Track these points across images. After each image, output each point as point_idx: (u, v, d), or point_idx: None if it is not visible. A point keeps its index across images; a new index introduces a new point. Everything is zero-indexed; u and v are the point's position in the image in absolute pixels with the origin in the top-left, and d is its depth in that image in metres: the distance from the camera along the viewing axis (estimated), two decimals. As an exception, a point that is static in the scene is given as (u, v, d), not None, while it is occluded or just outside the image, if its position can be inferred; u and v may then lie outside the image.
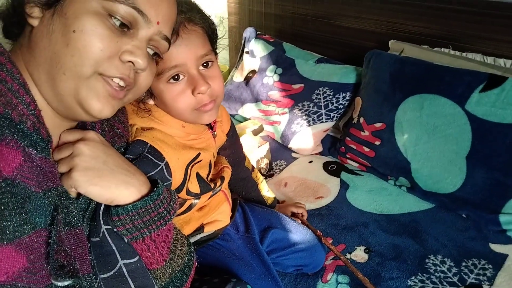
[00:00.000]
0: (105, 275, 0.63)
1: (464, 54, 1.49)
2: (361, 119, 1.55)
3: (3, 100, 0.53)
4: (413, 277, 1.10)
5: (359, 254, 1.17)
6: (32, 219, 0.54)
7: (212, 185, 0.90)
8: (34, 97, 0.58)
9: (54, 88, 0.58)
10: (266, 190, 1.23)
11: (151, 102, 0.81)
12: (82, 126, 0.68)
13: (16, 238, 0.52)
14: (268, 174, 1.60)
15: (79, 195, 0.64)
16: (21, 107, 0.55)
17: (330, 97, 1.70)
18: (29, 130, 0.55)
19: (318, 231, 1.15)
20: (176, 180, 0.80)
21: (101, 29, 0.56)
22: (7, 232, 0.51)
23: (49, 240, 0.56)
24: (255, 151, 1.53)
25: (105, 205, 0.64)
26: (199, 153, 0.85)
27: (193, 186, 0.86)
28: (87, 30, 0.55)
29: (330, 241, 1.20)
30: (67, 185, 0.59)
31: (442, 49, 1.54)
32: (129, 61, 0.59)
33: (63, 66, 0.55)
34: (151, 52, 0.66)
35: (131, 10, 0.57)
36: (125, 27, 0.59)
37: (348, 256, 1.17)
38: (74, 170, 0.59)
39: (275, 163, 1.68)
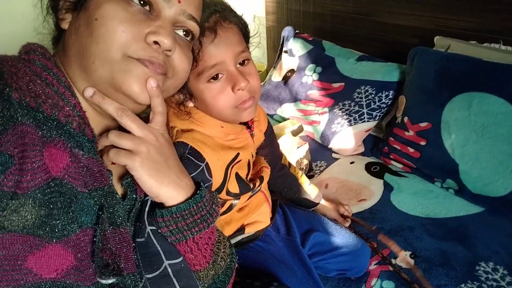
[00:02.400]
0: (150, 275, 0.63)
1: (516, 49, 1.41)
2: (405, 119, 1.50)
3: (50, 102, 0.55)
4: (462, 285, 1.04)
5: (405, 259, 1.13)
6: (79, 218, 0.56)
7: (252, 185, 0.90)
8: (79, 99, 0.59)
9: (88, 81, 0.58)
10: (308, 184, 1.21)
11: (191, 104, 0.82)
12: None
13: (64, 236, 0.54)
14: (308, 175, 1.58)
15: (124, 196, 0.65)
16: (67, 108, 0.57)
17: (372, 95, 1.65)
18: (75, 131, 0.56)
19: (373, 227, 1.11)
20: (216, 181, 0.81)
21: (121, 12, 0.56)
22: (56, 230, 0.53)
23: (94, 239, 0.57)
24: (294, 152, 1.51)
25: (150, 206, 0.65)
26: (238, 153, 0.86)
27: (233, 186, 0.86)
28: (108, 16, 0.55)
29: (374, 246, 1.17)
30: (121, 161, 0.59)
31: (492, 45, 1.46)
32: (155, 43, 0.58)
33: (92, 55, 0.56)
34: (188, 38, 0.66)
35: None
36: (147, 11, 0.59)
37: (393, 261, 1.12)
38: (138, 155, 0.59)
39: (315, 164, 1.65)
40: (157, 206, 0.63)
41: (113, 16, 0.55)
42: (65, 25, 0.60)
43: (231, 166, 0.84)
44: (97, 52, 0.56)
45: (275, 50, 2.20)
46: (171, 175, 0.63)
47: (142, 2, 0.58)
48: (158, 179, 0.61)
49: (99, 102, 0.59)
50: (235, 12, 0.82)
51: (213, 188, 0.81)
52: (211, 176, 0.79)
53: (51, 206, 0.52)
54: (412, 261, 1.12)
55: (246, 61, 0.81)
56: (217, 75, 0.77)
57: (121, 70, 0.57)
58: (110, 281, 0.59)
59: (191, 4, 0.63)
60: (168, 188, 0.62)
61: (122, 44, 0.56)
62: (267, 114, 2.01)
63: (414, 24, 1.71)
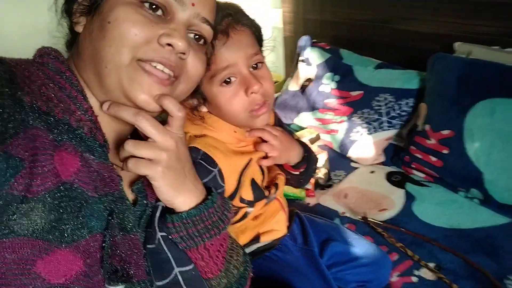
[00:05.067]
0: (161, 283, 0.62)
1: (542, 53, 1.36)
2: (427, 127, 1.46)
3: (62, 106, 0.55)
4: (490, 299, 1.00)
5: (429, 272, 1.08)
6: (89, 223, 0.55)
7: (267, 193, 0.88)
8: (91, 103, 0.59)
9: (102, 86, 0.58)
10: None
11: (204, 109, 0.82)
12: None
13: (74, 241, 0.53)
14: (327, 184, 1.55)
15: (135, 201, 0.64)
16: (79, 113, 0.56)
17: (392, 103, 1.62)
18: (86, 136, 0.56)
19: None
20: (229, 187, 0.80)
21: (134, 15, 0.55)
22: (65, 235, 0.52)
23: (104, 244, 0.56)
24: (312, 161, 1.48)
25: (160, 212, 0.64)
26: (251, 159, 0.85)
27: (246, 193, 0.85)
28: (120, 18, 0.55)
29: (396, 257, 1.13)
30: (141, 172, 0.57)
31: (516, 49, 1.42)
32: (168, 45, 0.57)
33: (104, 59, 0.55)
34: (201, 41, 0.65)
35: None
36: (161, 14, 0.58)
37: (417, 273, 1.08)
38: (158, 164, 0.57)
39: (334, 173, 1.62)
40: (168, 211, 0.62)
41: (125, 18, 0.55)
42: (79, 29, 0.60)
43: (244, 171, 0.83)
44: (109, 56, 0.55)
45: (293, 60, 2.19)
46: (187, 183, 0.62)
47: (155, 5, 0.58)
48: (176, 188, 0.60)
49: (116, 112, 0.57)
50: (247, 16, 0.82)
51: (226, 195, 0.79)
52: (223, 182, 0.78)
53: (61, 210, 0.51)
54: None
55: (259, 64, 0.80)
56: (230, 78, 0.76)
57: (128, 77, 0.56)
58: (119, 287, 0.57)
59: (206, 7, 0.63)
60: (184, 197, 0.61)
61: (133, 46, 0.55)
62: (284, 123, 2.00)
63: (433, 30, 1.68)
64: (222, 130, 0.81)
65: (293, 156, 0.92)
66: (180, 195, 0.60)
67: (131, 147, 0.56)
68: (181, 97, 0.66)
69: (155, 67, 0.57)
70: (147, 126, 0.56)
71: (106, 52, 0.55)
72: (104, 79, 0.57)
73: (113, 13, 0.55)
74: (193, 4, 0.60)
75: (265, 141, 0.87)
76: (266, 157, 0.87)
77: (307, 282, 0.89)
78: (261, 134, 0.85)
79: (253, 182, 0.86)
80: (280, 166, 0.97)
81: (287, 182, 1.00)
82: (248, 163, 0.84)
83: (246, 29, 0.79)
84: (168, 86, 0.59)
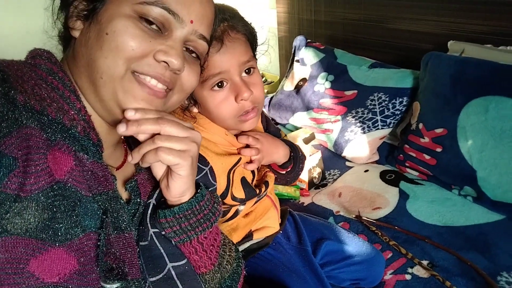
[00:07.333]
0: (154, 278, 0.62)
1: (534, 51, 1.37)
2: (420, 125, 1.47)
3: (55, 106, 0.55)
4: (483, 296, 1.00)
5: (422, 269, 1.09)
6: (83, 222, 0.55)
7: (257, 191, 0.89)
8: (84, 104, 0.59)
9: (97, 94, 0.58)
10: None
11: (195, 110, 0.82)
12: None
13: (68, 240, 0.53)
14: (321, 183, 1.55)
15: (128, 200, 0.64)
16: (72, 112, 0.56)
17: (386, 102, 1.63)
18: (80, 135, 0.56)
19: None
20: (220, 185, 0.81)
21: (132, 29, 0.55)
22: (59, 234, 0.52)
23: (99, 243, 0.56)
24: (306, 160, 1.48)
25: (152, 208, 0.64)
26: (240, 158, 0.86)
27: (237, 191, 0.85)
28: (119, 31, 0.55)
29: (390, 255, 1.13)
30: (171, 160, 0.57)
31: (508, 47, 1.43)
32: (164, 61, 0.58)
33: (99, 69, 0.56)
34: (194, 55, 0.65)
35: (161, 11, 0.57)
36: (159, 29, 0.58)
37: (410, 270, 1.09)
38: (189, 154, 0.59)
39: (328, 172, 1.63)
40: (159, 207, 0.63)
41: (124, 32, 0.55)
42: (75, 34, 0.60)
43: (232, 170, 0.84)
44: (104, 67, 0.55)
45: (288, 60, 2.20)
46: (195, 171, 0.64)
47: (153, 20, 0.57)
48: (192, 179, 0.62)
49: (138, 128, 0.56)
50: (244, 21, 0.82)
51: (218, 193, 0.80)
52: (215, 181, 0.78)
53: (55, 209, 0.52)
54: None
55: (251, 70, 0.81)
56: (221, 82, 0.77)
57: (122, 89, 0.56)
58: (114, 286, 0.58)
59: (203, 23, 0.63)
60: (191, 189, 0.63)
61: (129, 59, 0.55)
62: (280, 124, 2.00)
63: (427, 29, 1.69)
64: (214, 131, 0.82)
65: (278, 157, 0.94)
66: (191, 187, 0.62)
67: (165, 140, 0.57)
68: (174, 107, 0.67)
69: (148, 79, 0.58)
70: (172, 127, 0.57)
71: (102, 63, 0.55)
72: (99, 89, 0.57)
73: (112, 25, 0.55)
74: (191, 22, 0.60)
75: (247, 146, 0.88)
76: (251, 160, 0.88)
77: (301, 281, 0.89)
78: (244, 141, 0.87)
79: (244, 181, 0.86)
80: (268, 166, 0.98)
81: (275, 180, 1.01)
82: (237, 161, 0.85)
83: (241, 36, 0.79)
84: (162, 98, 0.60)
